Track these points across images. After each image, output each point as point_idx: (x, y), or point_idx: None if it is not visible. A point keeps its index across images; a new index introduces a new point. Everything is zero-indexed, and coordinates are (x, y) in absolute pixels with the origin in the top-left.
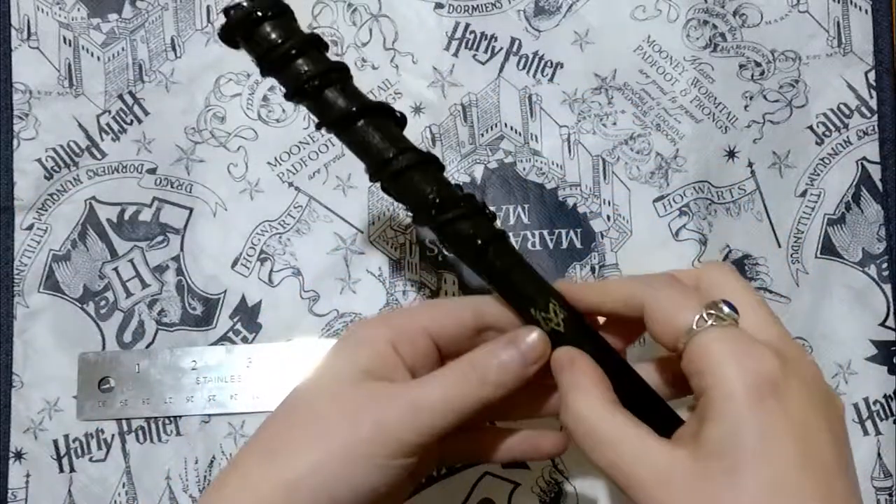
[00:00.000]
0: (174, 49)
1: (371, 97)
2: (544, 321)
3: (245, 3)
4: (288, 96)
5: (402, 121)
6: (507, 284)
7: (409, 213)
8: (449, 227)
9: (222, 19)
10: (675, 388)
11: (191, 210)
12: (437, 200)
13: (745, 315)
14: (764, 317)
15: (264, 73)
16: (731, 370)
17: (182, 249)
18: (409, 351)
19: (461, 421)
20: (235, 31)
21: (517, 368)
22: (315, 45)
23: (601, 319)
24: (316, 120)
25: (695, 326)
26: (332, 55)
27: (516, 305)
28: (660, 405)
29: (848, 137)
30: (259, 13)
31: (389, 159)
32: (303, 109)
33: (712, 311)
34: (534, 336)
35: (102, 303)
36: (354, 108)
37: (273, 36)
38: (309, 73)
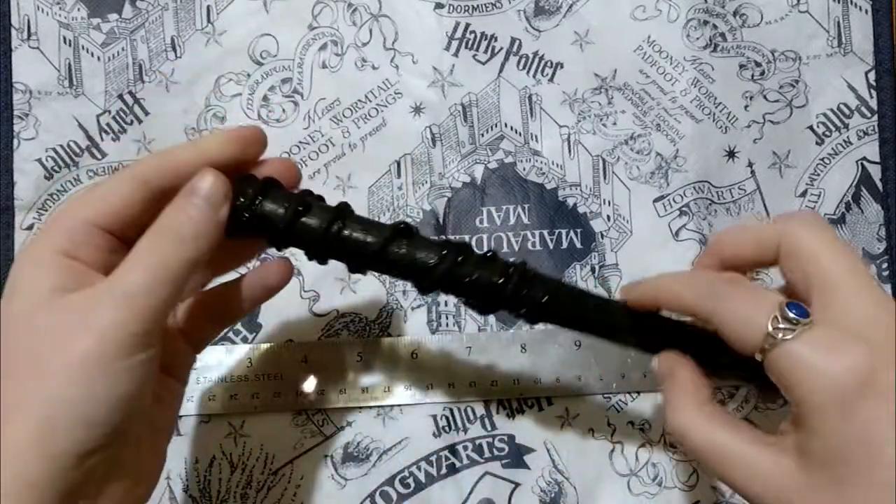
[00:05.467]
0: (174, 49)
1: (371, 97)
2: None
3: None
4: (317, 261)
5: (410, 230)
6: (595, 325)
7: (467, 303)
8: (522, 303)
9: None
10: None
11: None
12: (503, 282)
13: (828, 297)
14: (852, 293)
15: (279, 247)
16: (816, 382)
17: None
18: (88, 253)
19: (179, 289)
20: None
21: (209, 215)
22: (310, 200)
23: None
24: (349, 266)
25: (770, 333)
26: (332, 55)
27: (609, 338)
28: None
29: (848, 137)
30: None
31: (432, 267)
32: (303, 110)
33: (785, 320)
34: (208, 178)
35: None
36: (378, 246)
37: (279, 212)
38: (320, 229)
